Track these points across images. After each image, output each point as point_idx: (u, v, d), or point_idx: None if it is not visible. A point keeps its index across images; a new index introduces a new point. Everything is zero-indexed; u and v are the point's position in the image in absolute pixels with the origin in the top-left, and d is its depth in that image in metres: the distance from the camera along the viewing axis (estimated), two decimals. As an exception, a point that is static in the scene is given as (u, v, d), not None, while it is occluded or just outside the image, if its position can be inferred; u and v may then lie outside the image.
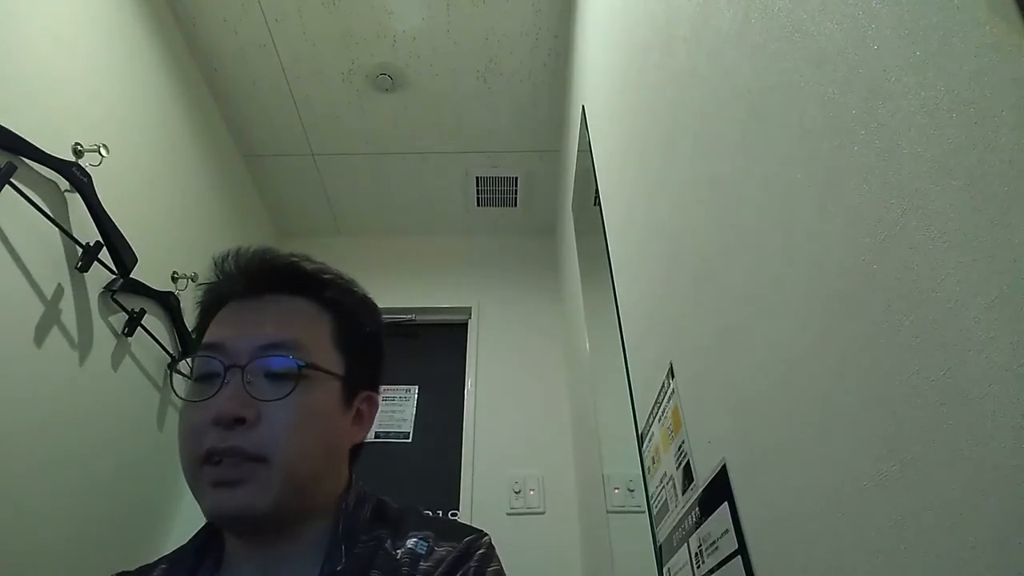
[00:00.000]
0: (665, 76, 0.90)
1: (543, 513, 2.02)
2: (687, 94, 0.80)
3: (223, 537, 0.56)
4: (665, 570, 0.91)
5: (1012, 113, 0.30)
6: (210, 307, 0.59)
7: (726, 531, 0.65)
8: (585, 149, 1.71)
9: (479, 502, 2.04)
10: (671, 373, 0.89)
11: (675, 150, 0.85)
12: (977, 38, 0.32)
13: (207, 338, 0.55)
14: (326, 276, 0.61)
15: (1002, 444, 0.30)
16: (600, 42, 1.45)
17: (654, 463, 0.99)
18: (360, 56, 2.05)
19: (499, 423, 2.22)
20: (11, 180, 1.23)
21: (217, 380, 0.51)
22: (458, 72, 2.11)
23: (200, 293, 0.61)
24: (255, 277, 0.58)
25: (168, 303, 1.81)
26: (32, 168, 1.34)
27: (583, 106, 1.71)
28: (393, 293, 2.50)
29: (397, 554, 0.53)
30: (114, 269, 1.53)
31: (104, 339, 1.57)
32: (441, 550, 0.53)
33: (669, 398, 0.90)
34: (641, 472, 1.09)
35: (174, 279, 1.87)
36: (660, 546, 0.95)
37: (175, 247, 1.88)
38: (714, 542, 0.68)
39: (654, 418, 0.99)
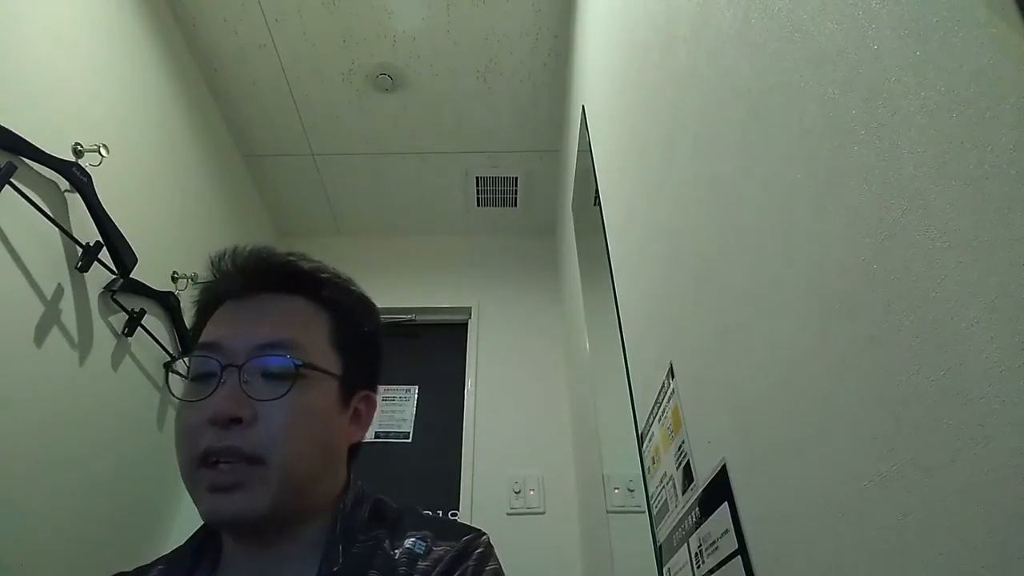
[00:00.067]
0: (665, 76, 0.90)
1: (543, 513, 2.02)
2: (687, 94, 0.80)
3: (221, 538, 0.56)
4: (665, 570, 0.91)
5: (1012, 113, 0.30)
6: (207, 306, 0.59)
7: (726, 531, 0.65)
8: (585, 149, 1.71)
9: (479, 502, 2.04)
10: (671, 373, 0.89)
11: (675, 150, 0.85)
12: (977, 38, 0.32)
13: (204, 337, 0.55)
14: (323, 275, 0.61)
15: (1002, 444, 0.30)
16: (600, 42, 1.45)
17: (654, 463, 0.99)
18: (360, 56, 2.05)
19: (499, 423, 2.22)
20: (11, 180, 1.23)
21: (214, 380, 0.50)
22: (458, 72, 2.11)
23: (197, 292, 0.61)
24: (252, 276, 0.58)
25: (168, 303, 1.81)
26: (32, 168, 1.34)
27: (583, 106, 1.71)
28: (393, 293, 2.50)
29: (395, 554, 0.53)
30: (114, 269, 1.53)
31: (104, 339, 1.57)
32: (439, 549, 0.53)
33: (669, 398, 0.90)
34: (641, 472, 1.09)
35: (174, 279, 1.87)
36: (660, 546, 0.95)
37: (175, 247, 1.88)
38: (714, 542, 0.68)
39: (654, 418, 0.99)
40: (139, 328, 1.69)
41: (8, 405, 1.25)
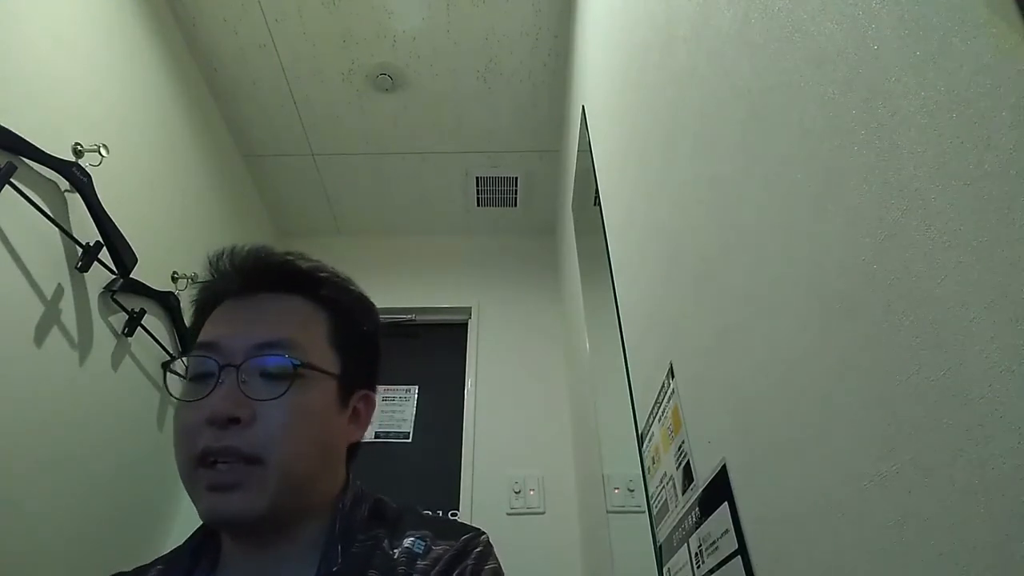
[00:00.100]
0: (665, 76, 0.90)
1: (543, 513, 2.03)
2: (687, 94, 0.80)
3: (219, 537, 0.56)
4: (665, 570, 0.91)
5: (1012, 113, 0.30)
6: (205, 306, 0.59)
7: (726, 531, 0.65)
8: (585, 149, 1.71)
9: (479, 502, 2.04)
10: (671, 373, 0.89)
11: (675, 150, 0.85)
12: (977, 38, 0.32)
13: (202, 337, 0.55)
14: (322, 274, 0.61)
15: (1002, 444, 0.30)
16: (600, 42, 1.45)
17: (654, 463, 0.99)
18: (360, 56, 2.05)
19: (499, 423, 2.22)
20: (11, 180, 1.23)
21: (212, 380, 0.50)
22: (458, 72, 2.11)
23: (195, 292, 0.60)
24: (250, 275, 0.58)
25: (168, 303, 1.81)
26: (32, 168, 1.34)
27: (583, 106, 1.71)
28: (393, 293, 2.50)
29: (394, 553, 0.53)
30: (114, 269, 1.53)
31: (104, 339, 1.57)
32: (438, 548, 0.53)
33: (669, 398, 0.90)
34: (641, 472, 1.09)
35: (174, 279, 1.87)
36: (660, 546, 0.95)
37: (175, 247, 1.88)
38: (714, 542, 0.68)
39: (654, 418, 0.99)
40: (139, 328, 1.69)
41: (8, 405, 1.25)
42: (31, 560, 1.30)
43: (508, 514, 2.02)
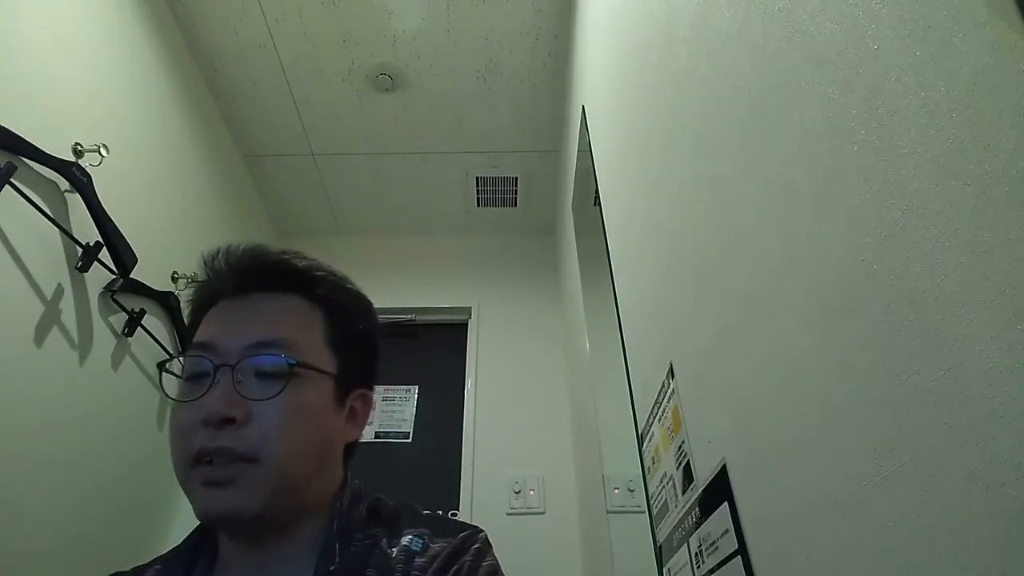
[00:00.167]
0: (665, 76, 0.90)
1: (543, 513, 2.02)
2: (687, 94, 0.80)
3: (217, 537, 0.56)
4: (665, 570, 0.91)
5: (1012, 113, 0.30)
6: (201, 305, 0.59)
7: (726, 531, 0.65)
8: (585, 149, 1.71)
9: (479, 502, 2.04)
10: (671, 373, 0.89)
11: (675, 150, 0.85)
12: (977, 38, 0.32)
13: (197, 337, 0.55)
14: (318, 273, 0.60)
15: (1002, 444, 0.30)
16: (600, 42, 1.45)
17: (654, 463, 0.99)
18: (360, 56, 2.05)
19: (499, 423, 2.22)
20: (11, 180, 1.23)
21: (207, 380, 0.50)
22: (458, 72, 2.11)
23: (191, 291, 0.60)
24: (245, 275, 0.58)
25: (168, 303, 1.81)
26: (32, 168, 1.34)
27: (583, 106, 1.71)
28: (393, 293, 2.50)
29: (392, 552, 0.53)
30: (114, 269, 1.53)
31: (104, 339, 1.57)
32: (436, 546, 0.53)
33: (669, 398, 0.90)
34: (641, 472, 1.09)
35: (174, 279, 1.87)
36: (660, 546, 0.95)
37: (175, 247, 1.88)
38: (714, 542, 0.68)
39: (654, 418, 0.99)
40: (139, 328, 1.69)
41: (8, 405, 1.25)
42: (31, 560, 1.30)
43: (508, 514, 2.02)
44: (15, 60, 1.30)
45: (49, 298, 1.38)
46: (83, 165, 1.44)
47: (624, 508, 1.45)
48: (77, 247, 1.44)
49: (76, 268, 1.45)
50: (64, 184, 1.42)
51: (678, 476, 0.84)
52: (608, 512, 1.45)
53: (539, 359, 2.38)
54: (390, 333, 2.41)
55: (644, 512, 1.08)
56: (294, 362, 0.52)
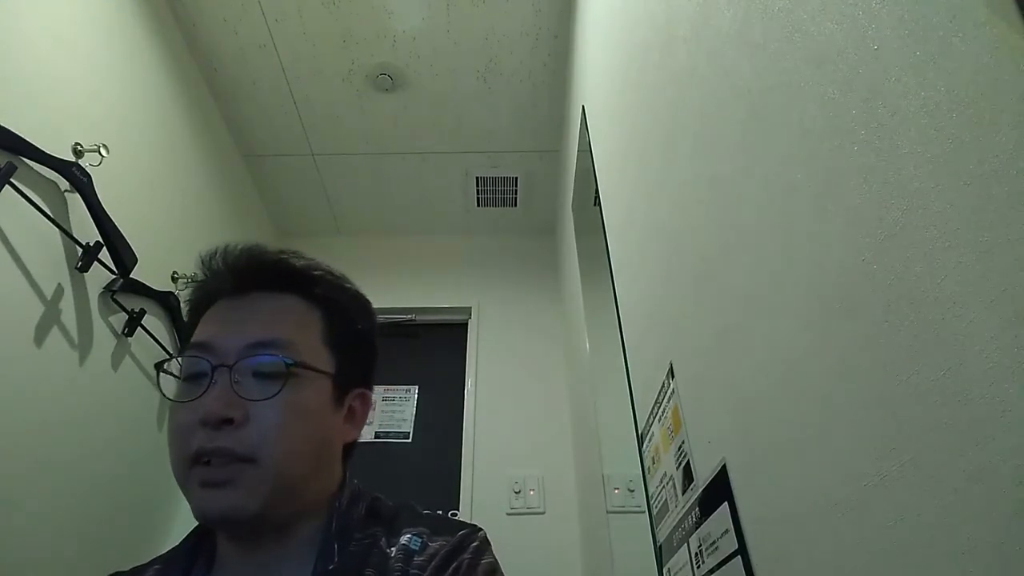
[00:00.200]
0: (665, 76, 0.90)
1: (543, 513, 2.02)
2: (687, 94, 0.80)
3: (216, 537, 0.56)
4: (665, 570, 0.91)
5: (1012, 113, 0.30)
6: (198, 305, 0.59)
7: (726, 531, 0.65)
8: (585, 149, 1.71)
9: (479, 502, 2.04)
10: (671, 373, 0.89)
11: (675, 150, 0.85)
12: (977, 38, 0.32)
13: (195, 337, 0.55)
14: (316, 272, 0.60)
15: (1002, 444, 0.30)
16: (600, 42, 1.45)
17: (654, 463, 0.99)
18: (360, 56, 2.05)
19: (499, 423, 2.22)
20: (11, 180, 1.23)
21: (205, 380, 0.50)
22: (458, 72, 2.11)
23: (189, 291, 0.60)
24: (243, 275, 0.58)
25: (168, 303, 1.81)
26: (32, 168, 1.34)
27: (583, 106, 1.71)
28: (393, 293, 2.50)
29: (391, 551, 0.53)
30: (114, 269, 1.53)
31: (104, 339, 1.57)
32: (435, 544, 0.53)
33: (669, 398, 0.90)
34: (641, 472, 1.09)
35: (174, 279, 1.87)
36: (660, 546, 0.95)
37: (175, 247, 1.88)
38: (714, 542, 0.68)
39: (654, 418, 0.99)
40: (139, 328, 1.69)
41: (8, 405, 1.25)
42: (31, 560, 1.30)
43: (508, 514, 2.02)
44: (15, 60, 1.30)
45: (49, 298, 1.38)
46: (83, 165, 1.44)
47: (624, 508, 1.45)
48: (77, 247, 1.44)
49: (76, 268, 1.45)
50: (64, 184, 1.42)
51: (678, 476, 0.84)
52: (608, 512, 1.45)
53: (539, 359, 2.38)
54: (390, 333, 2.41)
55: (644, 512, 1.08)
56: (292, 362, 0.52)
